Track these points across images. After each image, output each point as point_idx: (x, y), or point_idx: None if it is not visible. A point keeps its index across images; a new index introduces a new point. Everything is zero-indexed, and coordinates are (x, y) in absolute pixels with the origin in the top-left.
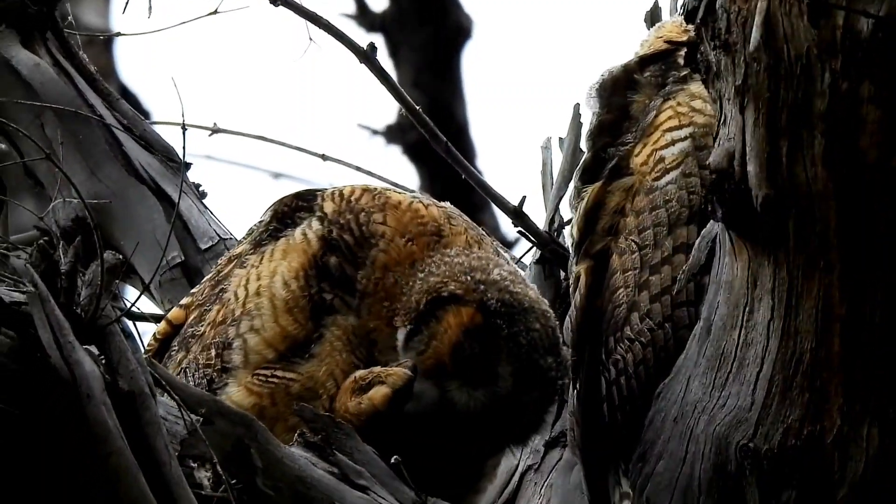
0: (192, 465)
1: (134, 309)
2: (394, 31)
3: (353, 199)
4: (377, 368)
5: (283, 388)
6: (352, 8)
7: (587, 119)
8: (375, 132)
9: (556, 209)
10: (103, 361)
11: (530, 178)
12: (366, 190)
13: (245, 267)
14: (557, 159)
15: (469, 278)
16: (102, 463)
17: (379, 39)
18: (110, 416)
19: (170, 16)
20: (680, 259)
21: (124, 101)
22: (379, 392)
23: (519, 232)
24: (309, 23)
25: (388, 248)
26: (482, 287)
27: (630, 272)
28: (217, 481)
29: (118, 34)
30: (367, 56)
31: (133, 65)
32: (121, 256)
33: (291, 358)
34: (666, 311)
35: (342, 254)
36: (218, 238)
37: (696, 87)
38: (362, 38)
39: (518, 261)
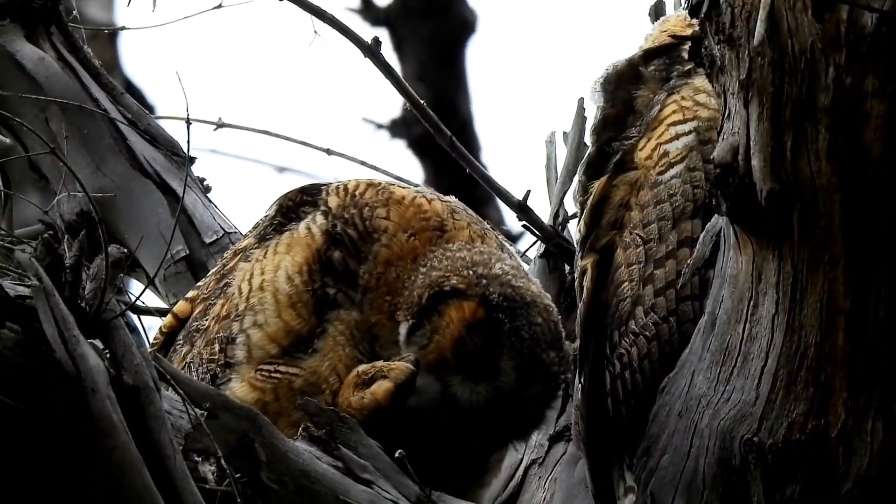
0: (197, 459)
1: (138, 303)
2: (398, 25)
3: (357, 193)
4: (380, 363)
5: (286, 384)
6: (356, 2)
7: (591, 113)
8: (380, 126)
9: (561, 203)
10: (108, 355)
11: (535, 173)
12: (370, 184)
13: (249, 261)
14: (562, 153)
15: (471, 272)
16: (107, 457)
17: (383, 34)
18: (115, 410)
19: (174, 10)
20: (684, 253)
21: (129, 96)
22: (381, 386)
23: (523, 226)
24: (313, 17)
25: (390, 243)
26: (484, 281)
27: (635, 266)
28: (221, 475)
29: (123, 28)
30: (371, 50)
31: (138, 59)
32: (125, 250)
33: (294, 353)
34: (670, 305)
35: (346, 248)
36: (223, 232)
37: (701, 81)
38: (367, 32)
39: (523, 255)
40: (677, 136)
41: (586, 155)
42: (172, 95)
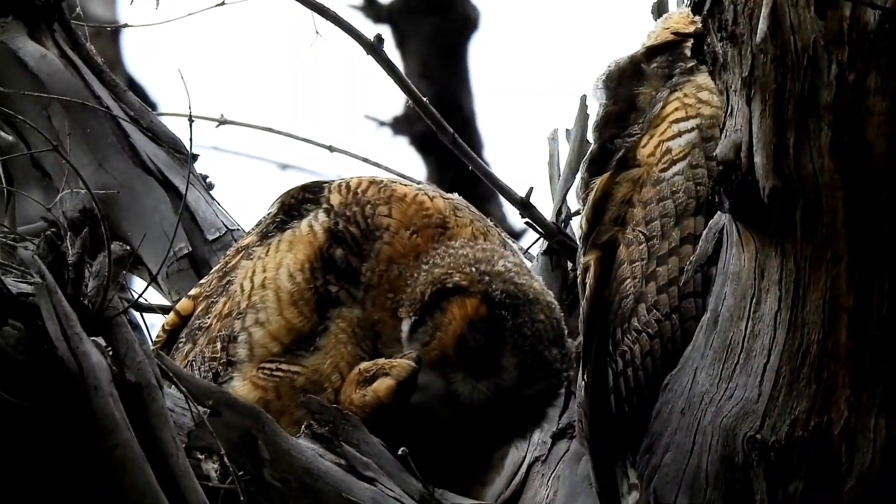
0: (200, 456)
1: (141, 300)
2: (401, 22)
3: (359, 191)
4: (382, 360)
5: (288, 382)
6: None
7: (594, 110)
8: (382, 123)
9: (564, 200)
10: (110, 353)
11: (537, 170)
12: (372, 182)
13: (251, 259)
14: (564, 150)
15: (474, 270)
16: (109, 455)
17: (386, 31)
18: (117, 407)
19: (177, 7)
20: (687, 250)
21: (131, 93)
22: (383, 384)
23: (526, 223)
24: (316, 14)
25: (392, 241)
26: (487, 278)
27: (637, 263)
28: (224, 473)
29: (125, 25)
30: (374, 47)
31: (140, 56)
32: (128, 248)
33: (296, 351)
34: (673, 302)
35: (348, 246)
36: (225, 229)
37: (703, 78)
38: (369, 29)
39: (525, 252)
40: (680, 133)
41: (589, 152)
42: (175, 92)
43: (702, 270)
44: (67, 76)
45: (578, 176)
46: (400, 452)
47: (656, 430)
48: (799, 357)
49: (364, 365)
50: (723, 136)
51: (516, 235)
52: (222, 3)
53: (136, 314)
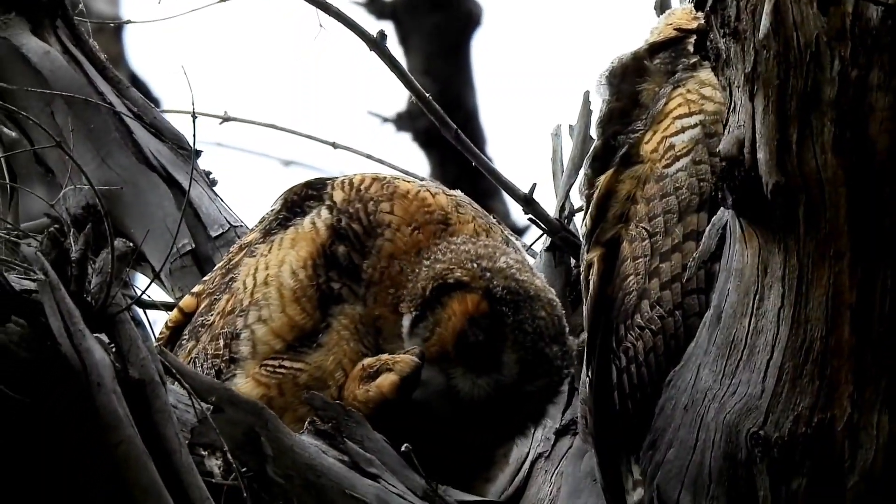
0: (203, 453)
1: (144, 297)
2: (404, 18)
3: (362, 188)
4: (385, 356)
5: (290, 379)
6: None
7: (597, 106)
8: (385, 119)
9: (567, 196)
10: (113, 349)
11: (540, 166)
12: (375, 178)
13: (254, 256)
14: (567, 147)
15: (475, 265)
16: (112, 451)
17: (389, 27)
18: (120, 404)
19: (180, 3)
20: (690, 246)
21: (134, 89)
22: (387, 379)
23: (529, 219)
24: (319, 10)
25: (394, 238)
26: (488, 274)
27: (640, 259)
28: (227, 469)
29: (128, 21)
30: (377, 44)
31: (143, 52)
32: (131, 244)
33: (299, 348)
34: (676, 298)
35: (350, 243)
36: (229, 226)
37: (706, 74)
38: (372, 25)
39: (528, 248)
40: (683, 130)
41: (592, 148)
42: (178, 89)
43: (705, 267)
44: (70, 72)
45: (582, 172)
46: (403, 449)
47: (659, 427)
48: (802, 353)
49: (367, 361)
50: (726, 132)
51: (519, 231)
52: (225, 0)
53: (140, 311)
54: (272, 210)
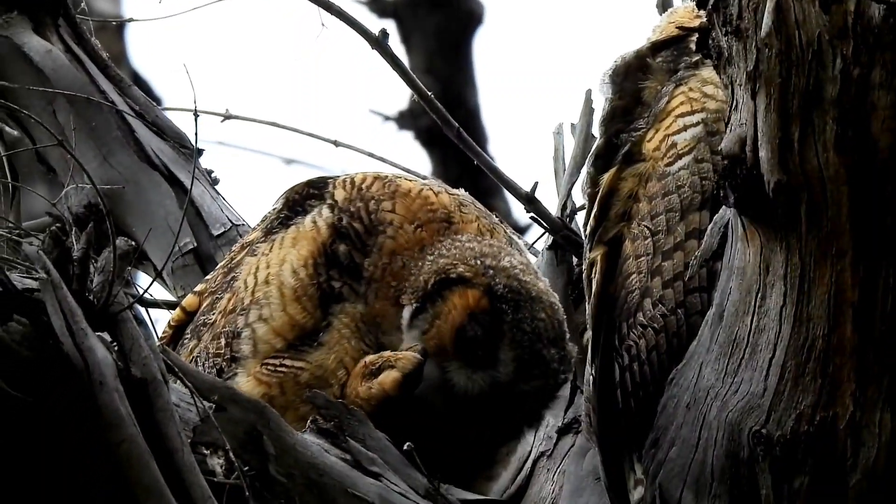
0: (205, 452)
1: (146, 295)
2: (405, 16)
3: (363, 186)
4: (387, 353)
5: (291, 377)
6: None
7: (599, 105)
8: (387, 118)
9: (569, 195)
10: (116, 348)
11: (542, 164)
12: (376, 177)
13: (255, 255)
14: (570, 145)
15: (479, 262)
16: (114, 450)
17: (391, 25)
18: (123, 403)
19: (182, 2)
20: (692, 245)
21: (136, 88)
22: (389, 376)
23: (531, 218)
24: (321, 9)
25: (396, 235)
26: (491, 272)
27: (643, 258)
28: (230, 468)
29: (130, 20)
30: (378, 42)
31: (145, 51)
32: (133, 243)
33: (300, 347)
34: (678, 296)
35: (351, 242)
36: (230, 224)
37: (708, 72)
38: (374, 23)
39: (530, 247)
40: (685, 128)
41: (594, 146)
42: (180, 87)
43: (707, 265)
44: (72, 71)
45: (584, 170)
46: (405, 448)
47: (662, 425)
48: (804, 352)
49: (370, 358)
50: (728, 131)
51: (521, 230)
52: None
53: (142, 309)
54: (274, 209)
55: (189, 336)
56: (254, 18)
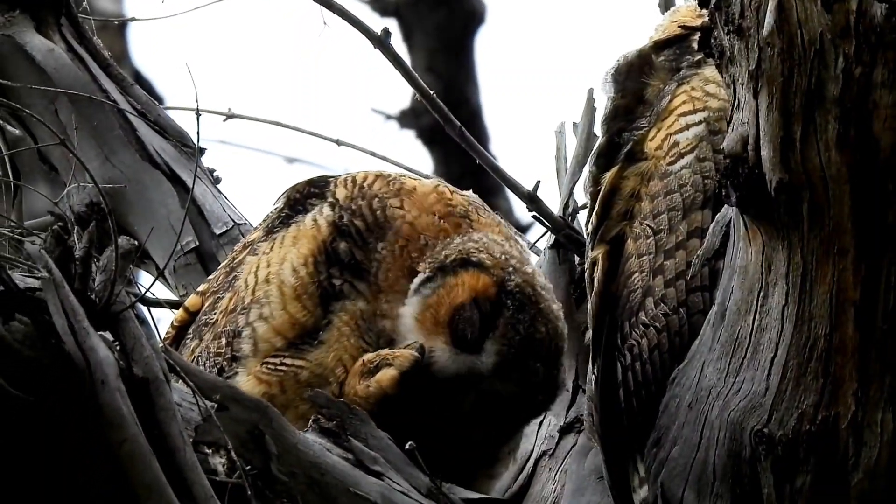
0: (207, 451)
1: (148, 294)
2: (407, 15)
3: (365, 184)
4: (384, 351)
5: (292, 376)
6: None
7: (601, 104)
8: (389, 117)
9: (571, 194)
10: (118, 347)
11: (544, 163)
12: (379, 176)
13: (256, 254)
14: (571, 144)
15: (502, 257)
16: (116, 449)
17: (392, 24)
18: (124, 402)
19: (184, 1)
20: (694, 244)
21: (138, 87)
22: (387, 374)
23: (533, 216)
24: (323, 7)
25: (414, 221)
26: (510, 269)
27: (645, 257)
28: (231, 467)
29: (132, 19)
30: (381, 41)
31: (147, 50)
32: (135, 242)
33: (300, 345)
34: (680, 295)
35: (352, 239)
36: (232, 223)
37: (710, 71)
38: (376, 22)
39: (532, 246)
40: (687, 127)
41: (597, 145)
42: (182, 86)
43: (709, 264)
44: (74, 70)
45: (586, 169)
46: (407, 446)
47: (664, 424)
48: (806, 351)
49: (367, 356)
50: (730, 130)
51: (523, 229)
52: None
53: (144, 308)
54: (275, 208)
55: (191, 336)
56: (256, 17)
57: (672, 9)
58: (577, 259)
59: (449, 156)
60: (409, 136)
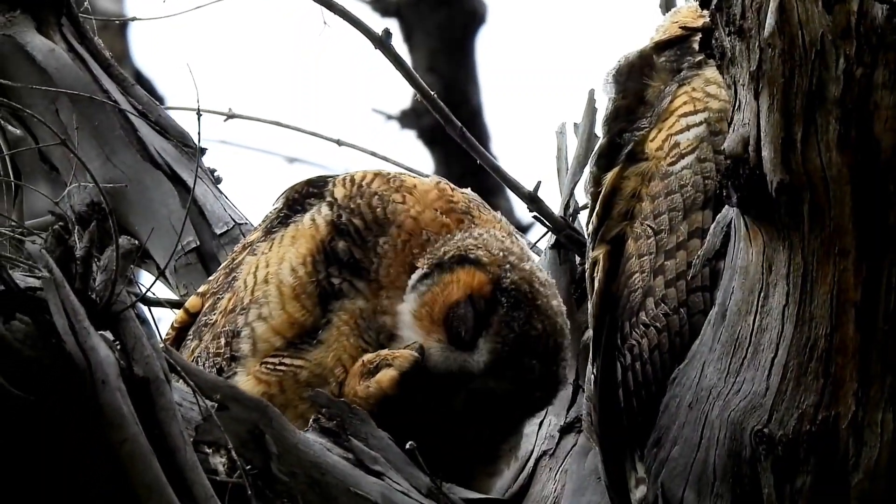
0: (207, 450)
1: (149, 294)
2: (408, 15)
3: (363, 183)
4: (384, 351)
5: (291, 376)
6: None
7: (602, 104)
8: (390, 117)
9: (572, 194)
10: (118, 347)
11: (545, 163)
12: (378, 174)
13: (255, 254)
14: (572, 144)
15: (501, 255)
16: (117, 449)
17: (393, 24)
18: (125, 402)
19: (184, 0)
20: (695, 244)
21: (139, 87)
22: (386, 375)
23: (534, 217)
24: (323, 8)
25: (417, 216)
26: (507, 267)
27: (645, 257)
28: (232, 467)
29: (133, 19)
30: (382, 41)
31: (148, 50)
32: (136, 242)
33: (299, 345)
34: (681, 296)
35: (351, 238)
36: (233, 223)
37: (711, 72)
38: (377, 22)
39: (533, 246)
40: (688, 127)
41: (597, 146)
42: (183, 86)
43: (709, 264)
44: (75, 70)
45: (587, 170)
46: (408, 446)
47: (664, 424)
48: (806, 351)
49: (367, 357)
50: (731, 131)
51: (524, 229)
52: None
53: (144, 308)
54: (274, 208)
55: (191, 337)
56: (256, 18)
57: (673, 9)
58: (577, 259)
59: (450, 156)
60: (410, 136)
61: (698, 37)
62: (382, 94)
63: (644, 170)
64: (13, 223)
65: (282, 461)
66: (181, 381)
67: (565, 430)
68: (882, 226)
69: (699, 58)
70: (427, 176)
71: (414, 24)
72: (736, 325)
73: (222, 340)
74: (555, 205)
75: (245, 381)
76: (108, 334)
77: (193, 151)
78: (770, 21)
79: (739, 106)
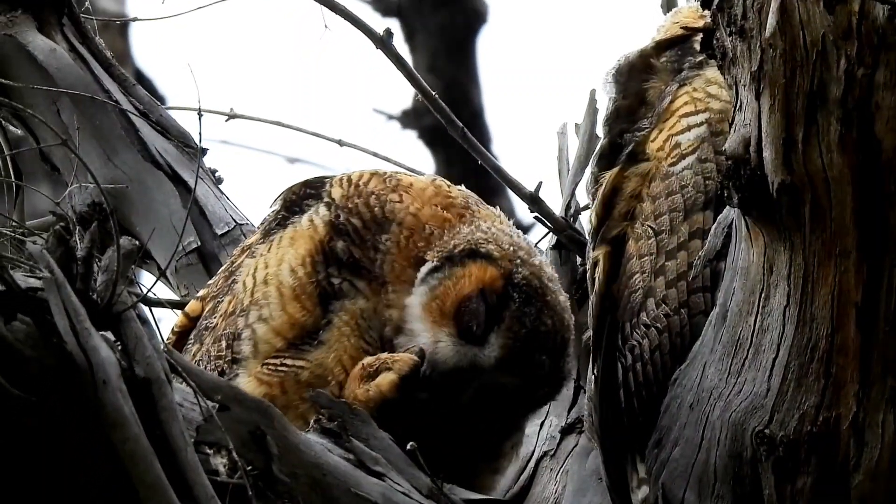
0: (208, 451)
1: (150, 294)
2: (409, 15)
3: (361, 183)
4: (384, 355)
5: (292, 377)
6: None
7: (603, 105)
8: (391, 117)
9: (573, 195)
10: (119, 347)
11: (546, 164)
12: (375, 174)
13: (254, 257)
14: (573, 145)
15: (511, 249)
16: (118, 449)
17: (394, 24)
18: (126, 402)
19: (186, 1)
20: (696, 245)
21: (140, 87)
22: (386, 379)
23: (535, 217)
24: (325, 8)
25: (417, 213)
26: (518, 261)
27: (646, 257)
28: (233, 468)
29: (134, 19)
30: (383, 42)
31: (149, 50)
32: (137, 242)
33: (300, 346)
34: (682, 296)
35: (350, 238)
36: (234, 223)
37: (712, 72)
38: (378, 22)
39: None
40: (689, 128)
41: (598, 146)
42: (184, 86)
43: (710, 265)
44: (76, 70)
45: (588, 170)
46: (409, 447)
47: (665, 425)
48: (807, 352)
49: (367, 360)
50: (732, 131)
51: (525, 230)
52: None
53: (145, 309)
54: (272, 210)
55: (192, 341)
56: (257, 18)
57: (674, 9)
58: (578, 260)
59: (451, 156)
60: (411, 136)
61: (699, 37)
62: (383, 94)
63: (645, 170)
64: (14, 223)
65: (283, 462)
66: (182, 381)
67: (566, 431)
68: (883, 226)
69: (700, 58)
70: (423, 174)
71: (415, 24)
72: (737, 325)
73: (223, 343)
74: (556, 205)
75: (246, 382)
76: (110, 335)
77: (194, 151)
78: (771, 21)
79: (740, 106)
